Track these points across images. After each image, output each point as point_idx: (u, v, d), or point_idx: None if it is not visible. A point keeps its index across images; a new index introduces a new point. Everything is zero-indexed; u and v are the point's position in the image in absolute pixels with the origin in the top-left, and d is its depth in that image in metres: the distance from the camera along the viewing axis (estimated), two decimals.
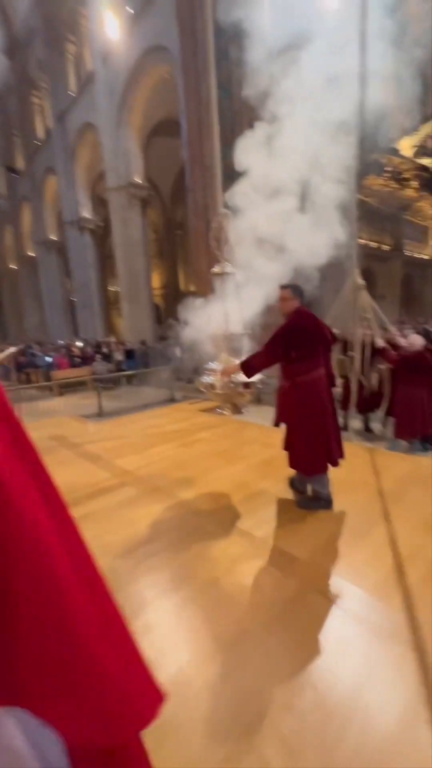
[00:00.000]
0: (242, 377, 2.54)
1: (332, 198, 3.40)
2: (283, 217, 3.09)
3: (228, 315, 2.57)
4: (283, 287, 2.48)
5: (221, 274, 2.56)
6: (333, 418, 2.54)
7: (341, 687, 1.33)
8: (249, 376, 2.50)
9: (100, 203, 16.40)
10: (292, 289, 2.46)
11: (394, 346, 4.57)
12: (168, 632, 1.62)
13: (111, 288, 19.53)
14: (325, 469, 2.54)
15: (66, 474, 3.42)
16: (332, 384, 2.57)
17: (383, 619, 1.63)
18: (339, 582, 1.86)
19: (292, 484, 2.80)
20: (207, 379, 2.70)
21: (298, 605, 1.73)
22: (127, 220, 11.77)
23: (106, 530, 2.42)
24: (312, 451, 2.49)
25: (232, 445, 4.13)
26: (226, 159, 8.12)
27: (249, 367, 2.47)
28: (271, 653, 1.48)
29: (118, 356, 11.89)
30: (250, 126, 3.52)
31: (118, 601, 0.58)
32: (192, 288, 20.26)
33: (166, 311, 19.18)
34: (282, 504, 2.70)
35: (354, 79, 3.84)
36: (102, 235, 17.17)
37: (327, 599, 1.76)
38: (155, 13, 9.51)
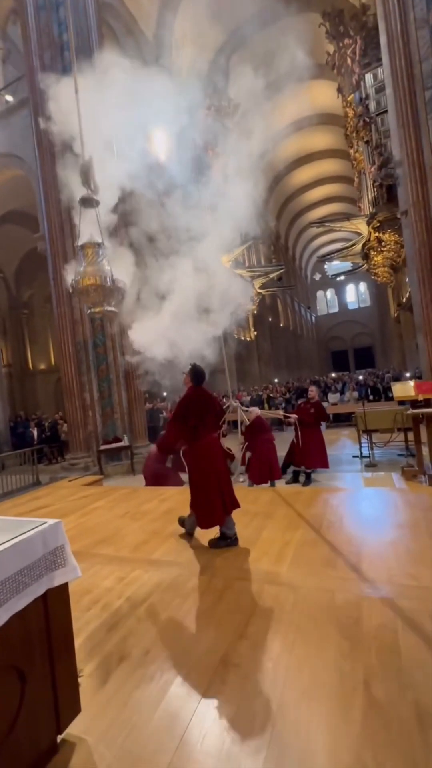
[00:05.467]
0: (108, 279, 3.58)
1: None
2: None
3: None
4: (184, 373, 3.30)
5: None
6: (225, 475, 3.15)
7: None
8: (167, 453, 3.18)
9: None
10: (188, 373, 3.24)
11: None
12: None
13: None
14: (221, 521, 3.06)
15: None
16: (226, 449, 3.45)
17: (277, 574, 2.51)
18: (254, 567, 2.68)
19: (181, 523, 3.40)
20: (75, 279, 3.65)
21: (228, 592, 2.45)
22: None
23: None
24: (208, 505, 3.03)
25: (131, 506, 4.55)
26: None
27: (164, 445, 3.17)
28: (221, 620, 2.15)
29: None
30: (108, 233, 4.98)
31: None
32: (42, 366, 19.51)
33: (11, 390, 17.63)
34: (194, 538, 3.38)
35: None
36: None
37: (248, 581, 2.54)
38: (11, 124, 10.55)
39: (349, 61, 12.83)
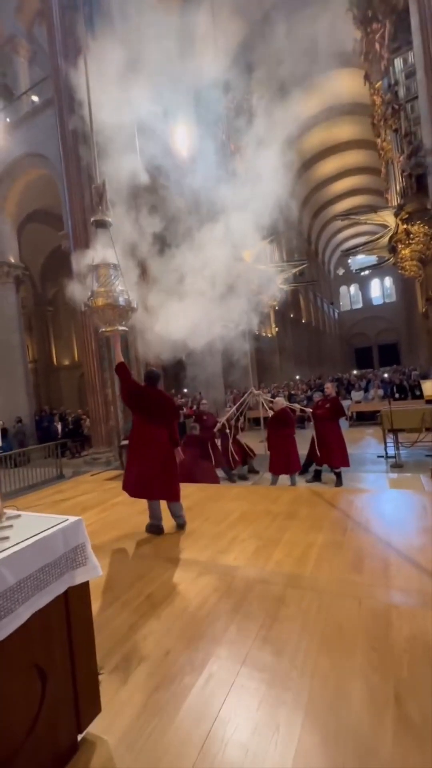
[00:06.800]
0: (120, 299, 3.80)
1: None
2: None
3: None
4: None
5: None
6: (154, 468, 3.42)
7: None
8: (117, 369, 3.59)
9: None
10: (145, 375, 3.70)
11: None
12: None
13: None
14: (130, 493, 3.51)
15: None
16: (174, 444, 3.59)
17: (300, 578, 2.43)
18: (276, 569, 2.61)
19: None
20: (89, 300, 3.83)
21: (250, 594, 2.39)
22: None
23: None
24: (126, 475, 3.58)
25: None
26: None
27: (120, 368, 3.58)
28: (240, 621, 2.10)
29: None
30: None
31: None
32: (66, 362, 19.95)
33: (37, 384, 18.14)
34: (213, 535, 3.34)
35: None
36: None
37: (271, 584, 2.47)
38: (36, 125, 10.73)
39: (377, 46, 12.33)
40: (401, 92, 11.54)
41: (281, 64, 13.37)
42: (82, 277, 4.36)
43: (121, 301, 3.89)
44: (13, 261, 11.98)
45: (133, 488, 3.53)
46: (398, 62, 11.70)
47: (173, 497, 3.53)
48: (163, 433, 3.54)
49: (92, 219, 4.06)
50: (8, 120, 11.45)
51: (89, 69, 4.53)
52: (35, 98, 11.63)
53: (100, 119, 4.44)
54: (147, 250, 5.22)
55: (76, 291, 4.38)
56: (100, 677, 1.73)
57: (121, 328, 4.09)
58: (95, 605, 2.41)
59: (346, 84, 17.55)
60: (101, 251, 3.99)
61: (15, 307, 12.01)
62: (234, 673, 1.75)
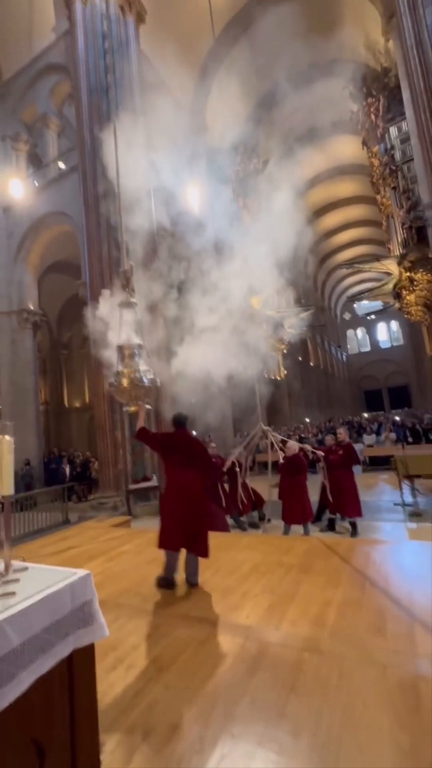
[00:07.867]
0: (144, 379, 3.83)
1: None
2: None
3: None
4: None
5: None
6: (188, 514, 3.28)
7: None
8: (138, 436, 3.64)
9: None
10: (173, 419, 3.67)
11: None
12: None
13: None
14: (168, 546, 3.30)
15: None
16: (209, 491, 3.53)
17: (318, 640, 2.25)
18: (291, 630, 2.43)
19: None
20: (115, 380, 3.83)
21: (264, 660, 2.22)
22: (17, 341, 12.02)
23: None
24: (163, 529, 3.37)
25: (160, 552, 4.35)
26: None
27: (142, 432, 3.61)
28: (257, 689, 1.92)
29: None
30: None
31: None
32: (77, 404, 20.18)
33: (47, 426, 18.24)
34: (224, 588, 3.16)
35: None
36: None
37: (286, 647, 2.29)
38: (62, 187, 11.78)
39: (372, 117, 13.53)
40: (397, 155, 12.46)
41: (286, 131, 14.70)
42: (96, 324, 4.49)
43: (146, 381, 3.92)
44: (32, 308, 12.57)
45: (164, 540, 3.34)
46: (393, 130, 12.75)
47: (200, 551, 3.30)
48: (196, 479, 3.43)
49: (118, 302, 4.15)
50: (36, 184, 12.57)
51: (109, 139, 5.02)
52: (62, 165, 12.82)
53: (121, 182, 4.86)
54: (162, 298, 5.47)
55: (92, 336, 4.51)
56: (101, 756, 1.59)
57: (147, 406, 4.05)
58: (98, 667, 2.25)
59: (346, 148, 19.04)
60: (126, 330, 4.02)
61: (31, 352, 12.42)
62: (249, 755, 1.58)
